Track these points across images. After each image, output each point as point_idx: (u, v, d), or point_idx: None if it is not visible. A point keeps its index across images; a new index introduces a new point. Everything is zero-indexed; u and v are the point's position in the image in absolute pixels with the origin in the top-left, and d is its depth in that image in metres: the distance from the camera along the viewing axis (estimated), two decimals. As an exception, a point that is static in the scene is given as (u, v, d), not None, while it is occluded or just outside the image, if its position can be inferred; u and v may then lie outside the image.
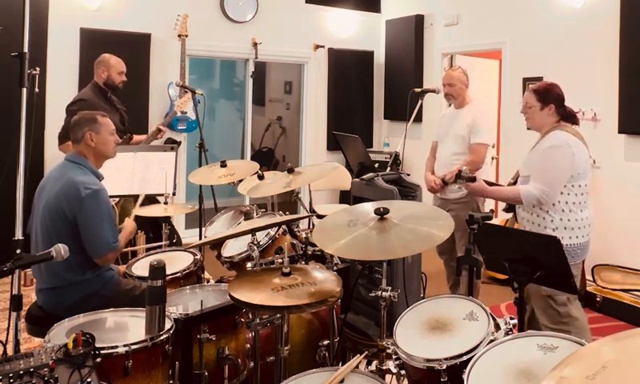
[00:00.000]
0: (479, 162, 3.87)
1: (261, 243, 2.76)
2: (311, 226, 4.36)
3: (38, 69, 2.86)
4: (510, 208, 3.19)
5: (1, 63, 3.89)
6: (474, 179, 3.05)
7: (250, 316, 2.22)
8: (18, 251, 2.55)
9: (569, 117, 3.02)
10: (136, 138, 4.51)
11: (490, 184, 3.16)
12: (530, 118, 3.07)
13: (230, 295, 1.94)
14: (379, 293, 2.07)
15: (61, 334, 2.07)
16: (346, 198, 5.10)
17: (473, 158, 3.89)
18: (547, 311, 2.92)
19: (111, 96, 4.32)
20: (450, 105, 4.25)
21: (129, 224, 3.00)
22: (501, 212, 5.65)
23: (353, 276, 2.77)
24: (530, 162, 3.00)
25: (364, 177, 3.14)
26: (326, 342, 2.57)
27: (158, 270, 2.03)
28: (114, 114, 4.16)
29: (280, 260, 2.38)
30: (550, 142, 2.92)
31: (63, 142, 4.00)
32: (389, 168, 4.00)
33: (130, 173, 3.58)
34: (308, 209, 4.67)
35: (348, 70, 7.17)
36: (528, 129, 5.51)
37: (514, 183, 3.14)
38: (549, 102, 2.98)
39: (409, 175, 3.35)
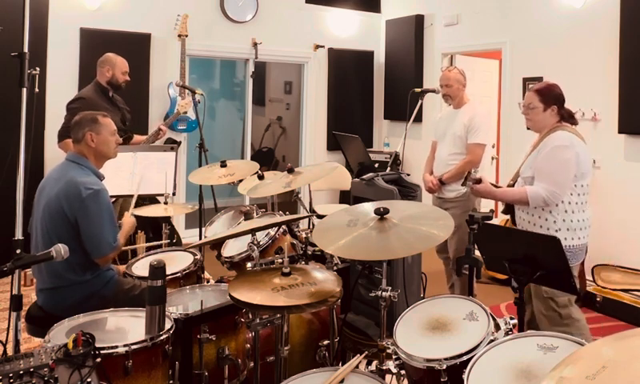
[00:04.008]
0: (476, 161, 3.89)
1: (261, 243, 2.76)
2: (311, 226, 4.35)
3: (38, 69, 2.86)
4: (508, 210, 3.17)
5: (1, 63, 3.90)
6: (479, 181, 3.03)
7: (250, 316, 2.22)
8: (18, 251, 2.55)
9: (569, 117, 3.01)
10: (136, 138, 4.52)
11: (495, 186, 3.14)
12: (532, 119, 3.03)
13: (230, 295, 1.93)
14: (379, 293, 2.07)
15: (61, 334, 2.07)
16: (346, 198, 5.10)
17: (470, 158, 3.91)
18: (548, 313, 2.91)
19: (114, 95, 4.32)
20: (449, 104, 4.26)
21: (128, 220, 2.98)
22: (501, 212, 5.67)
23: (353, 276, 2.77)
24: (534, 162, 2.96)
25: (364, 177, 3.15)
26: (325, 342, 2.56)
27: (157, 269, 2.03)
28: (115, 113, 4.16)
29: (280, 260, 2.38)
30: (555, 142, 2.89)
31: (63, 140, 4.00)
32: (389, 168, 4.01)
33: (130, 173, 3.58)
34: (308, 209, 4.66)
35: (348, 70, 7.17)
36: (528, 128, 5.56)
37: (513, 185, 3.11)
38: (551, 102, 2.96)
39: (409, 175, 3.36)
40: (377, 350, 2.10)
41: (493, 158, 6.18)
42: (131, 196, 3.38)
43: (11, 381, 1.58)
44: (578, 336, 2.14)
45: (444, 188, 4.01)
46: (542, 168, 2.89)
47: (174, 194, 3.56)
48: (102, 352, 1.79)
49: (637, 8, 4.55)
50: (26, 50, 2.79)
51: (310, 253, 2.70)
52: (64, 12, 5.36)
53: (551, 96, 2.98)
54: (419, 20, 6.81)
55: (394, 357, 1.97)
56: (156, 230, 4.13)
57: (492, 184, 3.12)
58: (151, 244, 3.68)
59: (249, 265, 2.48)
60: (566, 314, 2.90)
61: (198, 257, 2.97)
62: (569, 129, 2.96)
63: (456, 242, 3.87)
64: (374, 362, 2.29)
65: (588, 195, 2.93)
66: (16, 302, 2.68)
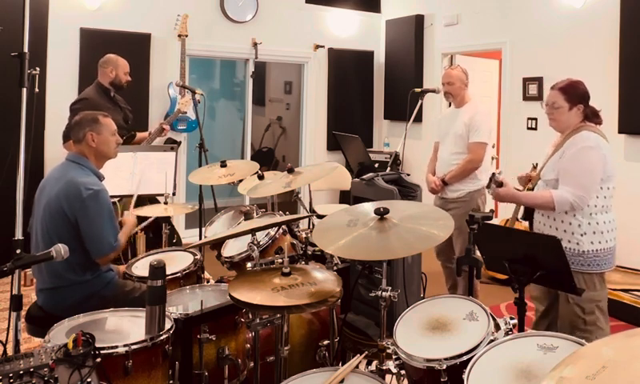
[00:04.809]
0: (477, 160, 3.88)
1: (261, 243, 2.76)
2: (311, 226, 4.35)
3: (38, 69, 2.86)
4: (527, 216, 3.01)
5: (1, 63, 3.90)
6: (501, 184, 2.87)
7: (250, 316, 2.22)
8: (18, 251, 2.55)
9: (593, 116, 2.85)
10: (139, 135, 4.52)
11: (518, 190, 2.99)
12: (557, 119, 2.85)
13: (230, 295, 1.93)
14: (379, 293, 2.07)
15: (61, 334, 2.07)
16: (346, 198, 5.10)
17: (471, 157, 3.89)
18: (572, 319, 2.77)
19: (115, 95, 4.33)
20: (449, 104, 4.26)
21: (129, 219, 2.98)
22: (501, 212, 5.67)
23: (353, 276, 2.77)
24: (558, 164, 2.79)
25: (364, 177, 3.15)
26: (325, 342, 2.56)
27: (158, 270, 2.03)
28: (117, 113, 4.17)
29: (280, 260, 2.38)
30: (581, 143, 2.73)
31: (67, 141, 4.01)
32: (389, 168, 4.00)
33: (130, 173, 3.58)
34: (308, 209, 4.66)
35: (348, 70, 7.17)
36: (528, 129, 5.56)
37: (532, 188, 2.97)
38: (577, 101, 2.81)
39: (409, 175, 3.36)
40: (377, 350, 2.10)
41: (493, 158, 6.17)
42: (132, 196, 3.38)
43: (11, 381, 1.58)
44: None
45: (447, 188, 4.01)
46: (568, 170, 2.73)
47: (174, 194, 3.56)
48: (102, 352, 1.79)
49: (637, 8, 4.55)
50: (26, 50, 2.79)
51: (309, 253, 2.69)
52: (64, 12, 5.36)
53: (576, 94, 2.83)
54: (419, 20, 6.81)
55: (394, 357, 1.97)
56: (156, 230, 4.12)
57: (515, 188, 2.98)
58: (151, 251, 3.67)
59: (249, 265, 2.48)
60: (591, 320, 2.75)
61: (198, 257, 2.97)
62: (593, 129, 2.81)
63: (461, 243, 3.86)
64: (374, 362, 2.29)
65: (613, 198, 2.80)
66: (16, 302, 2.68)
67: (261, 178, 3.36)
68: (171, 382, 2.12)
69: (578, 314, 2.75)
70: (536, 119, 5.43)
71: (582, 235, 2.73)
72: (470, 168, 3.89)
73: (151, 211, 3.27)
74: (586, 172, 2.71)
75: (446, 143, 4.06)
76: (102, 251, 2.62)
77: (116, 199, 3.67)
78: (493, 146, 6.21)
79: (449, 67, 4.23)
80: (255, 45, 6.48)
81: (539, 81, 5.40)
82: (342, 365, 2.08)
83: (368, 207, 2.13)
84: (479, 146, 3.90)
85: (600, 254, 2.74)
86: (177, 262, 2.91)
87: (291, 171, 2.65)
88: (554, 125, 2.91)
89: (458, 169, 3.92)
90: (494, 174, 2.91)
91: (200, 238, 3.99)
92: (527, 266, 2.32)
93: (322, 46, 6.99)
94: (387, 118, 7.38)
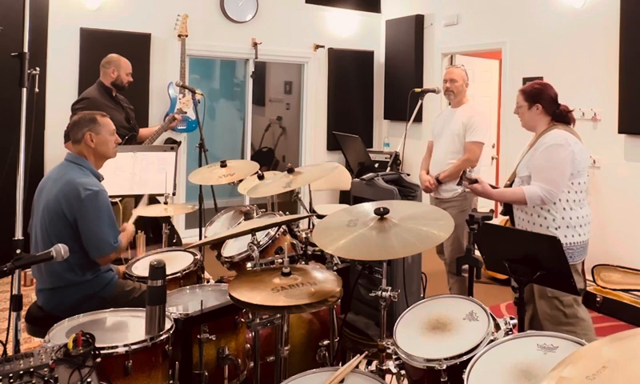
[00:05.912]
0: (474, 160, 3.88)
1: (261, 243, 2.76)
2: (311, 226, 4.35)
3: (38, 69, 2.86)
4: (507, 211, 3.18)
5: (1, 63, 3.90)
6: (475, 181, 3.04)
7: (250, 316, 2.22)
8: (18, 251, 2.55)
9: (561, 117, 3.02)
10: (142, 131, 4.52)
11: (493, 187, 3.15)
12: (521, 118, 3.12)
13: (230, 295, 1.93)
14: (379, 293, 2.07)
15: (61, 334, 2.07)
16: (346, 198, 5.10)
17: (468, 157, 3.90)
18: (552, 312, 2.89)
19: (117, 95, 4.34)
20: (449, 103, 4.27)
21: (128, 227, 2.99)
22: (500, 213, 5.67)
23: (353, 276, 2.76)
24: (530, 161, 2.99)
25: (364, 177, 3.14)
26: (325, 342, 2.56)
27: (157, 270, 2.03)
28: (119, 113, 4.18)
29: (280, 260, 2.38)
30: (550, 141, 2.92)
31: (68, 141, 4.01)
32: (389, 168, 4.00)
33: (130, 173, 3.58)
34: (308, 209, 4.66)
35: (348, 70, 7.17)
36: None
37: (511, 185, 3.12)
38: (534, 101, 3.02)
39: (409, 175, 3.35)
40: (377, 350, 2.10)
41: (493, 158, 6.17)
42: (132, 196, 3.38)
43: (11, 381, 1.58)
44: (582, 336, 2.14)
45: (441, 188, 4.01)
46: (538, 166, 2.92)
47: (174, 194, 3.56)
48: (102, 352, 1.79)
49: (637, 8, 4.56)
50: (26, 50, 2.79)
51: (310, 253, 2.70)
52: (64, 12, 5.36)
53: (534, 95, 3.04)
54: (419, 20, 6.81)
55: (394, 357, 1.97)
56: (156, 230, 4.13)
57: (490, 185, 3.12)
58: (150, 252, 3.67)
59: (249, 265, 2.48)
60: (571, 313, 2.89)
61: (198, 257, 2.97)
62: (563, 128, 2.99)
63: (452, 242, 3.87)
64: (374, 362, 2.29)
65: (585, 193, 2.96)
66: (16, 302, 2.68)
67: (261, 178, 3.36)
68: (171, 382, 2.12)
69: (558, 306, 2.88)
70: (536, 119, 5.42)
71: (556, 229, 2.88)
72: (467, 167, 3.89)
73: (151, 211, 3.27)
74: (555, 168, 2.88)
75: (441, 142, 4.07)
76: (102, 252, 2.61)
77: (117, 199, 3.68)
78: (493, 146, 6.23)
79: (452, 66, 4.25)
80: (255, 45, 6.48)
81: (539, 81, 5.40)
82: (342, 365, 2.08)
83: (368, 207, 2.13)
84: (476, 146, 3.91)
85: (573, 247, 2.88)
86: (177, 261, 2.91)
87: (291, 171, 2.65)
88: (522, 123, 3.16)
89: (454, 168, 3.92)
90: (464, 171, 3.10)
91: (200, 238, 3.99)
92: (527, 265, 2.32)
93: (322, 46, 6.99)
94: (387, 118, 7.38)
